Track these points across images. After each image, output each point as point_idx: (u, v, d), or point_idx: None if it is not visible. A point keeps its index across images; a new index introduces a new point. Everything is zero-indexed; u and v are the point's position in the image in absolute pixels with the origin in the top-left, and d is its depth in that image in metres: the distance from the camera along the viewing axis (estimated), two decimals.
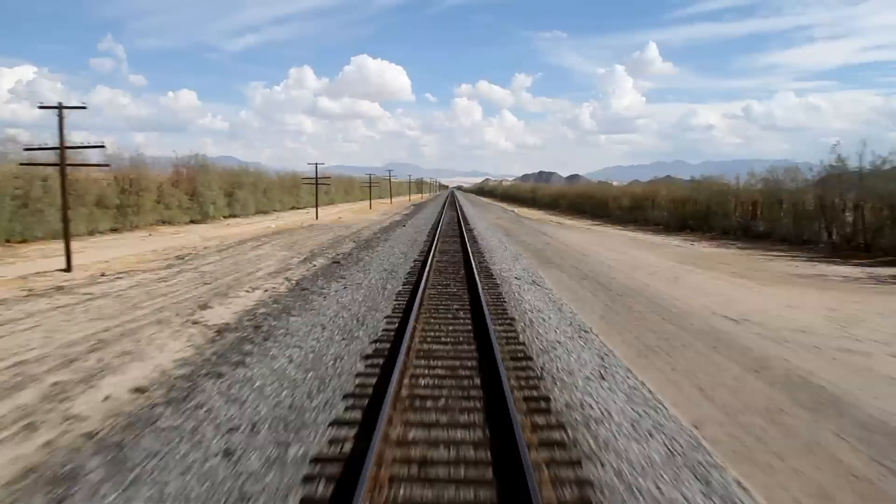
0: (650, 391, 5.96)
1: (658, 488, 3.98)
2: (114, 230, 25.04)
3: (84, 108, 13.49)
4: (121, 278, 12.55)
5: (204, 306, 9.81)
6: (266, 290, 11.40)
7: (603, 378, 6.26)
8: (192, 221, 31.74)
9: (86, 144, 14.07)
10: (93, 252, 17.40)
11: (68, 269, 13.08)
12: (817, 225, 23.99)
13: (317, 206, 39.61)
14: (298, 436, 4.71)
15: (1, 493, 3.98)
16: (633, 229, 35.53)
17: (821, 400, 6.04)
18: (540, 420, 5.03)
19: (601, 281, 13.57)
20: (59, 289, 11.30)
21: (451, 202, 66.47)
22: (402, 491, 3.85)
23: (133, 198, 25.85)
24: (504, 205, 79.18)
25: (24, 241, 19.51)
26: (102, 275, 12.87)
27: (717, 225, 31.12)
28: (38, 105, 12.75)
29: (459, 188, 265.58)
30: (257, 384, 5.94)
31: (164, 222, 29.14)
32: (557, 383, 6.04)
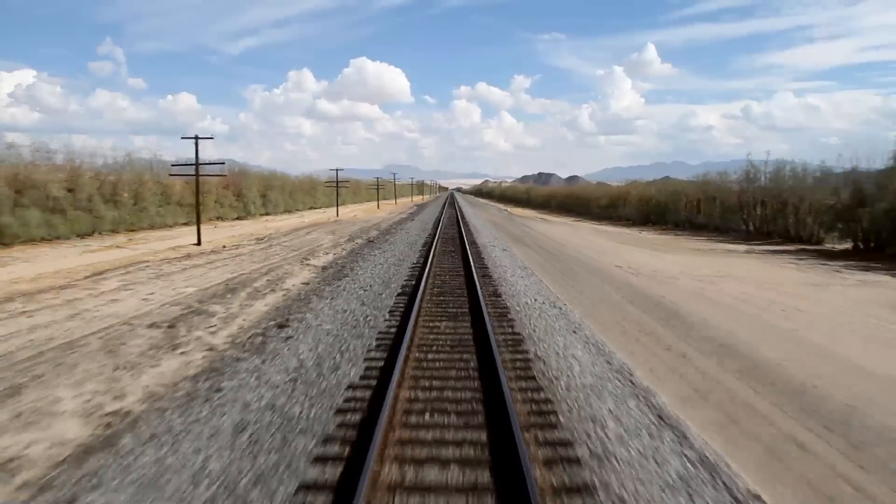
0: (552, 290, 12.67)
1: (539, 313, 10.72)
2: (185, 224, 31.85)
3: (211, 138, 20.30)
4: (237, 248, 19.36)
5: (304, 259, 16.62)
6: (334, 255, 18.19)
7: (528, 284, 13.02)
8: (238, 218, 38.56)
9: (211, 161, 20.90)
10: (192, 237, 24.16)
11: (199, 243, 19.88)
12: (738, 217, 30.75)
13: (337, 205, 46.48)
14: (388, 286, 11.46)
15: (266, 308, 10.65)
16: (606, 224, 42.36)
17: (640, 295, 12.79)
18: (487, 283, 11.76)
19: (552, 251, 20.38)
20: (208, 252, 18.11)
21: (451, 202, 73.47)
22: (436, 276, 10.58)
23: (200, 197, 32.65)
24: (500, 205, 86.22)
25: (133, 230, 26.32)
26: (223, 247, 19.68)
27: (671, 219, 37.96)
28: (182, 137, 19.55)
29: (459, 189, 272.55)
30: (359, 279, 12.70)
31: (218, 218, 35.97)
32: (502, 279, 12.75)
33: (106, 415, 5.26)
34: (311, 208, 57.88)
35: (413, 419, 5.01)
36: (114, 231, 24.16)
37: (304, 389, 5.82)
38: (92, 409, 5.41)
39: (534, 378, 6.15)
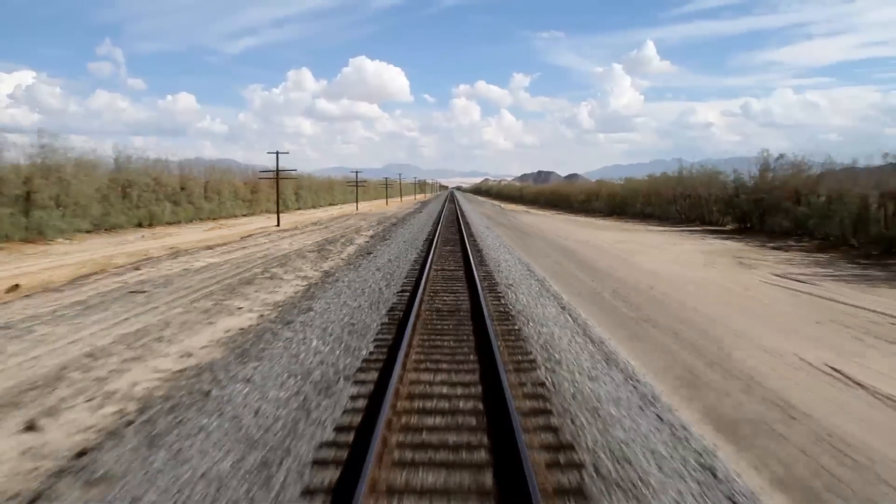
0: (508, 245, 21.68)
1: (496, 249, 19.80)
2: (244, 215, 40.98)
3: (286, 153, 29.30)
4: (306, 228, 28.43)
5: (357, 232, 25.69)
6: (374, 231, 27.19)
7: (497, 243, 22.09)
8: (284, 209, 47.59)
9: (288, 169, 29.94)
10: (264, 221, 33.24)
11: (278, 225, 28.98)
12: (673, 208, 39.78)
13: (357, 201, 55.63)
14: (415, 245, 20.52)
15: (354, 248, 19.65)
16: (581, 215, 51.33)
17: (560, 248, 21.84)
18: (472, 241, 20.80)
19: (523, 231, 29.45)
20: (290, 229, 27.18)
21: (451, 199, 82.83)
22: (440, 252, 19.65)
23: (253, 195, 41.85)
24: (495, 202, 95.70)
25: (215, 219, 35.33)
26: (295, 227, 28.79)
27: (630, 211, 47.05)
28: (267, 152, 28.56)
29: (459, 188, 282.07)
30: (394, 245, 21.76)
31: (265, 211, 45.12)
32: (481, 240, 21.78)
33: (360, 276, 14.35)
34: (330, 204, 66.99)
35: (437, 263, 14.02)
36: (207, 219, 33.25)
37: (392, 265, 14.85)
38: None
39: (487, 265, 15.15)
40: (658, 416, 5.06)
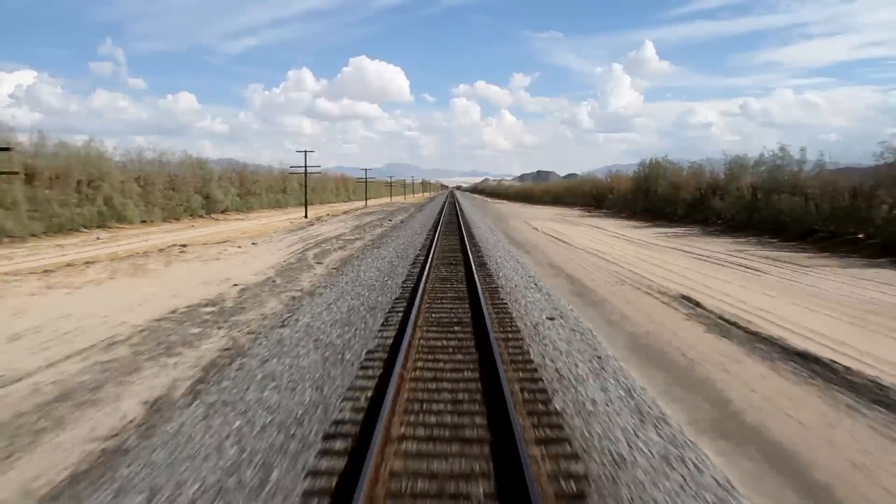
0: (479, 213, 30.73)
1: (480, 220, 28.90)
2: (272, 208, 50.07)
3: (312, 151, 38.28)
4: (335, 217, 37.48)
5: (389, 216, 34.79)
6: (406, 216, 36.30)
7: (475, 211, 31.18)
8: (300, 204, 56.56)
9: (313, 166, 39.00)
10: (293, 214, 42.25)
11: (306, 216, 38.07)
12: (638, 202, 48.68)
13: (366, 197, 64.75)
14: (432, 218, 29.59)
15: (383, 229, 28.67)
16: (557, 207, 60.50)
17: (513, 215, 30.94)
18: (463, 216, 29.90)
19: (501, 216, 38.56)
20: (324, 217, 36.26)
21: (451, 195, 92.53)
22: (446, 217, 28.77)
23: (283, 192, 50.97)
24: (485, 198, 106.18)
25: (251, 210, 44.40)
26: (319, 218, 37.85)
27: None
28: (296, 150, 37.58)
29: (458, 188, 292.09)
30: (417, 220, 30.84)
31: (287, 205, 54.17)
32: (470, 217, 30.89)
33: (361, 246, 23.46)
34: (343, 201, 76.13)
35: (443, 229, 23.07)
36: (252, 210, 42.32)
37: (418, 228, 23.92)
38: (363, 245, 23.58)
39: (471, 227, 24.19)
40: (512, 255, 14.17)
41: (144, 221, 27.58)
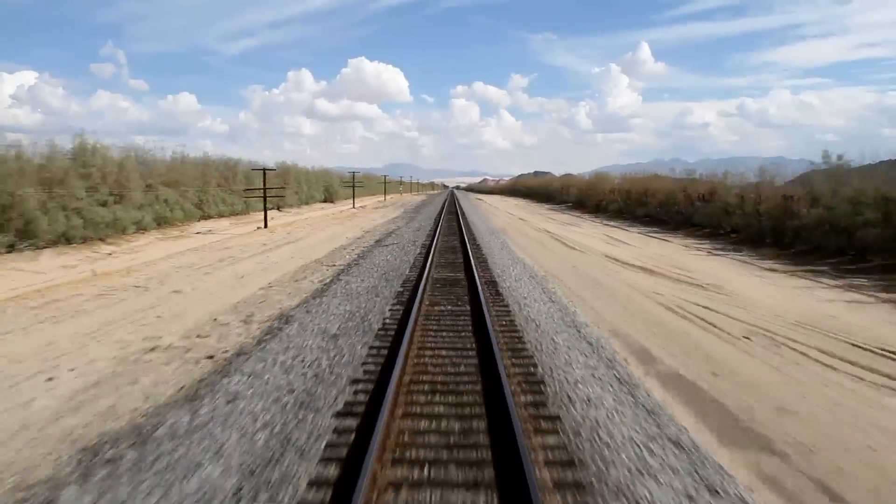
0: (469, 203, 46.37)
1: (473, 211, 44.67)
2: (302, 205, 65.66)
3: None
4: (364, 210, 53.23)
5: (417, 208, 50.58)
6: (421, 205, 52.01)
7: (472, 207, 46.87)
8: (325, 200, 72.20)
9: (353, 170, 54.56)
10: (329, 209, 57.81)
11: (355, 207, 53.80)
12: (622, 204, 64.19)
13: (385, 193, 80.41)
14: (440, 203, 45.30)
15: (403, 216, 44.25)
16: (545, 206, 76.22)
17: (478, 204, 46.62)
18: (459, 205, 45.52)
19: (480, 200, 54.31)
20: (359, 208, 52.02)
21: (451, 194, 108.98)
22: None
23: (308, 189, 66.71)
24: (478, 195, 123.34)
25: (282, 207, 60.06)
26: (354, 207, 53.63)
27: (591, 204, 72.00)
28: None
29: (457, 188, 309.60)
30: (432, 207, 46.53)
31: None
32: (463, 205, 46.46)
33: (388, 224, 39.31)
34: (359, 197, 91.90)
35: (448, 207, 38.77)
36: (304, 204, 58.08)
37: (439, 204, 39.68)
38: (388, 222, 39.39)
39: (463, 208, 39.88)
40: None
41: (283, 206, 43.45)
